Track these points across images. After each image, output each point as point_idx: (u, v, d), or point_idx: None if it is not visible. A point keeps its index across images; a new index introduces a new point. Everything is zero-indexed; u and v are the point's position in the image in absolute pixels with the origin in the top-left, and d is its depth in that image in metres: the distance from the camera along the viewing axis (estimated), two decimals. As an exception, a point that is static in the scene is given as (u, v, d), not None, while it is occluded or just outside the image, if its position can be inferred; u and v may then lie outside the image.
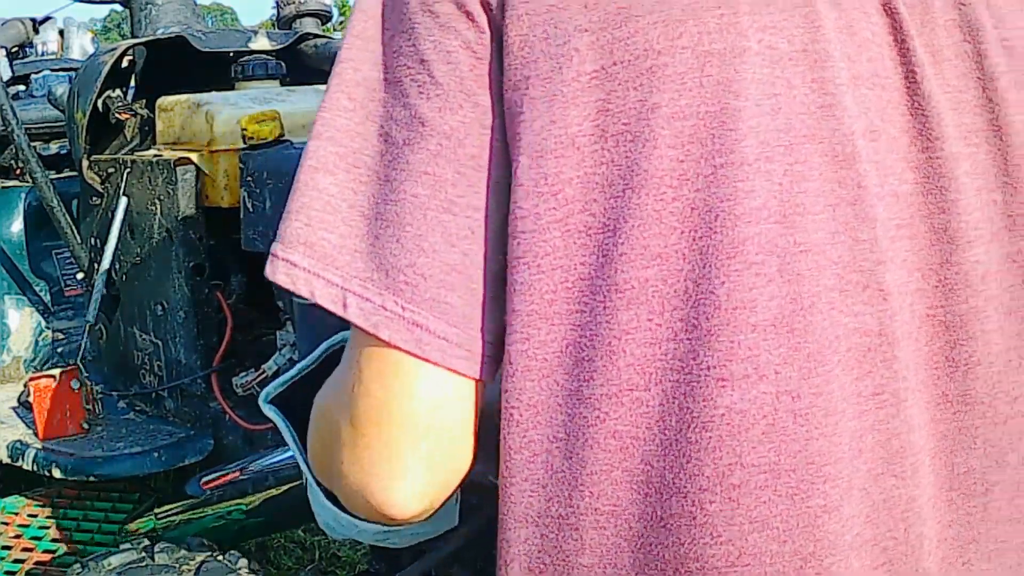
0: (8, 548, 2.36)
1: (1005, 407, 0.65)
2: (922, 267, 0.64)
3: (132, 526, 2.21)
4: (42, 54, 4.96)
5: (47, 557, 2.30)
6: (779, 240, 0.60)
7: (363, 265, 0.64)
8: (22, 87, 4.00)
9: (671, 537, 0.61)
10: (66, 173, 2.97)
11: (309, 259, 0.64)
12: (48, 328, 2.84)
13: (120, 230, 2.30)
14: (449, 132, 0.63)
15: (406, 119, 0.64)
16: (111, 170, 2.37)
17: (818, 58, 0.62)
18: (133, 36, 2.79)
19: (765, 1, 0.62)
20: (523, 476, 0.64)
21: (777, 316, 0.60)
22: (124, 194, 2.30)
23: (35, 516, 2.48)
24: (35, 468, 2.26)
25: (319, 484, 0.78)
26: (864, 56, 0.64)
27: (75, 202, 2.67)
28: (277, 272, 0.65)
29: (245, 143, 1.95)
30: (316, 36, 2.60)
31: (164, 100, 2.27)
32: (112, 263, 2.33)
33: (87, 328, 2.42)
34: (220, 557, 1.78)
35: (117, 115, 2.40)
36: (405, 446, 0.65)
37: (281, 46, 2.49)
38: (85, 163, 2.43)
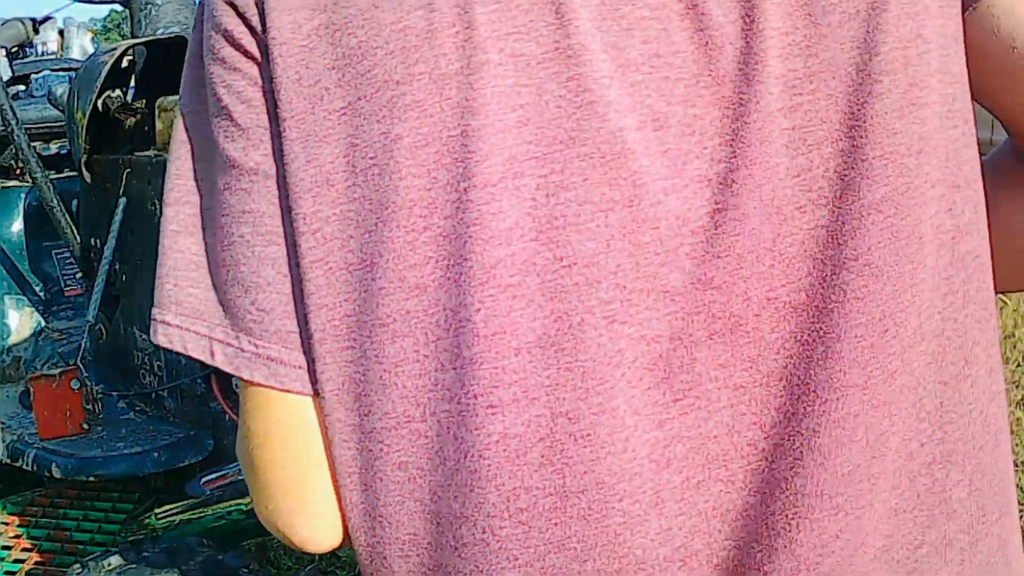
0: (8, 548, 2.36)
1: (882, 387, 0.59)
2: (755, 248, 0.59)
3: (132, 526, 2.21)
4: (42, 54, 4.97)
5: (47, 557, 2.30)
6: (537, 258, 0.59)
7: (221, 312, 0.65)
8: (22, 87, 4.01)
9: (470, 565, 0.61)
10: (66, 173, 2.98)
11: (180, 316, 0.66)
12: (48, 328, 2.84)
13: (120, 230, 2.30)
14: (255, 168, 0.63)
15: (222, 166, 0.65)
16: (111, 170, 2.37)
17: (572, 55, 0.59)
18: (133, 36, 2.79)
19: (505, 6, 0.59)
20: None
21: (542, 337, 0.59)
22: (124, 194, 2.30)
23: (35, 516, 2.48)
24: (35, 468, 2.27)
25: None
26: (636, 39, 0.60)
27: (75, 202, 2.68)
28: (157, 334, 0.67)
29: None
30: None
31: (164, 100, 2.27)
32: (112, 263, 2.33)
33: (87, 328, 2.42)
34: (220, 557, 1.78)
35: (117, 115, 2.41)
36: (296, 482, 0.66)
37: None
38: (85, 163, 2.43)
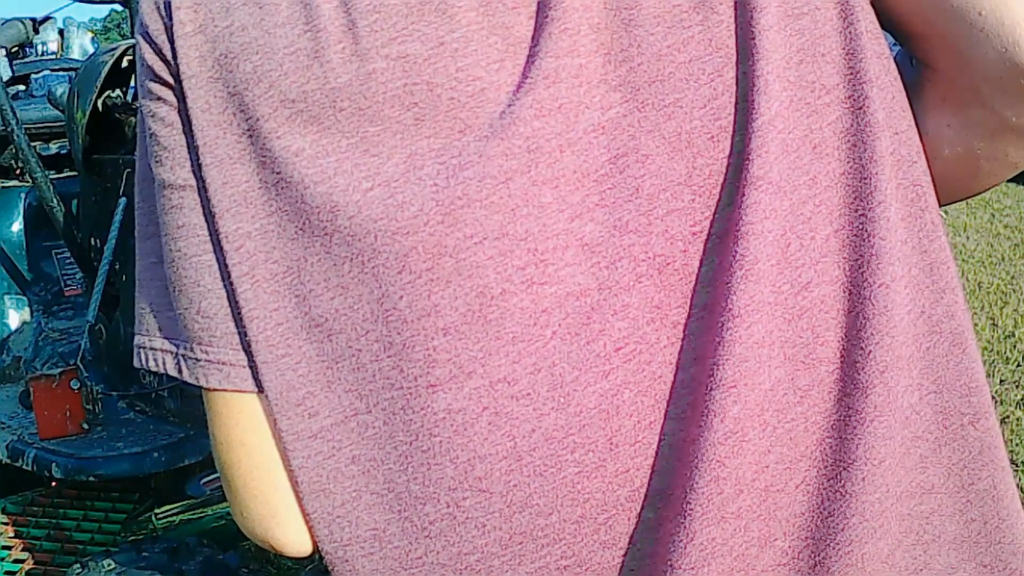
0: (8, 548, 2.36)
1: (795, 300, 0.61)
2: (668, 186, 0.61)
3: (132, 526, 2.21)
4: (42, 54, 4.97)
5: (47, 557, 2.30)
6: (446, 240, 0.61)
7: (180, 327, 0.68)
8: (22, 87, 4.01)
9: (439, 543, 0.62)
10: (66, 173, 2.98)
11: (155, 338, 0.69)
12: (48, 328, 2.84)
13: (120, 230, 2.30)
14: (184, 184, 0.66)
15: (158, 188, 0.68)
16: (111, 170, 2.37)
17: (457, 48, 0.62)
18: (133, 36, 2.78)
19: (385, 14, 0.62)
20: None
21: (465, 314, 0.61)
22: (124, 194, 2.30)
23: (35, 516, 2.48)
24: (35, 468, 2.26)
25: None
26: (523, 16, 0.62)
27: (75, 202, 2.68)
28: (139, 358, 0.70)
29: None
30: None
31: (164, 100, 2.27)
32: (112, 263, 2.33)
33: (87, 328, 2.42)
34: (220, 557, 1.78)
35: (117, 115, 2.41)
36: (264, 486, 0.67)
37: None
38: (85, 163, 2.43)
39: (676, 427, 0.61)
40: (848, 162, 0.62)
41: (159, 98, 0.67)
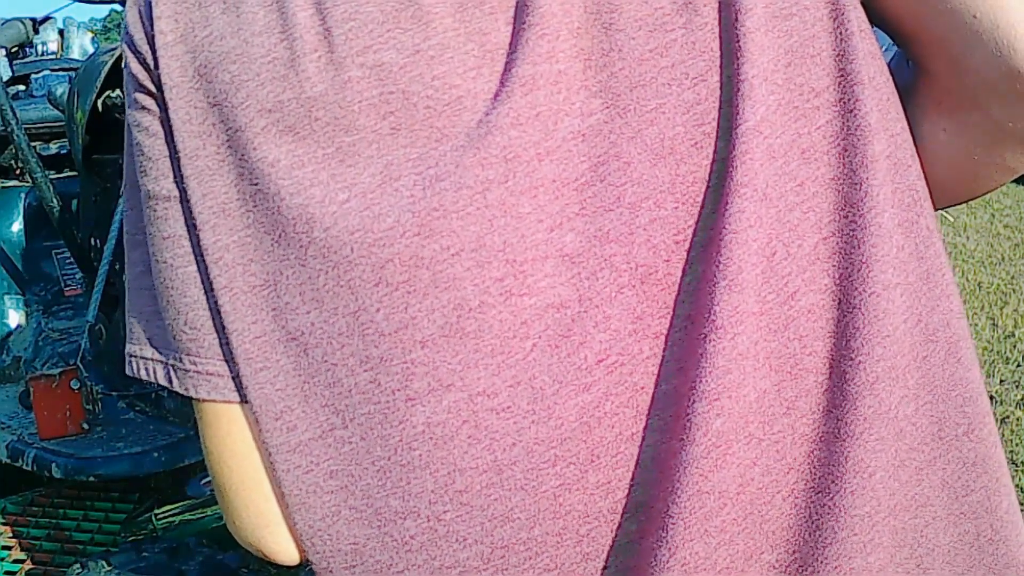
0: (8, 548, 2.36)
1: (780, 310, 0.59)
2: (651, 194, 0.59)
3: (132, 526, 2.21)
4: (42, 54, 4.97)
5: (47, 557, 2.30)
6: (423, 252, 0.60)
7: (171, 337, 0.67)
8: (22, 87, 4.01)
9: (420, 556, 0.62)
10: (66, 173, 2.98)
11: (146, 347, 0.69)
12: (48, 328, 2.84)
13: (120, 230, 2.29)
14: (168, 195, 0.66)
15: (144, 198, 0.67)
16: (111, 170, 2.37)
17: (433, 56, 0.61)
18: (133, 36, 2.78)
19: (360, 22, 0.61)
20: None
21: (443, 326, 0.60)
22: (124, 194, 2.29)
23: (35, 516, 2.48)
24: (35, 468, 2.26)
25: None
26: (501, 22, 0.61)
27: (75, 202, 2.68)
28: (130, 367, 0.70)
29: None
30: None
31: (164, 100, 2.27)
32: (112, 263, 2.33)
33: (87, 328, 2.42)
34: (220, 557, 1.78)
35: (117, 115, 2.40)
36: (254, 494, 0.66)
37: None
38: (85, 163, 2.43)
39: (658, 439, 0.60)
40: (839, 167, 0.60)
41: (143, 107, 0.66)
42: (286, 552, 0.67)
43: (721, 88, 0.59)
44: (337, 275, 0.61)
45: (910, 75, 0.68)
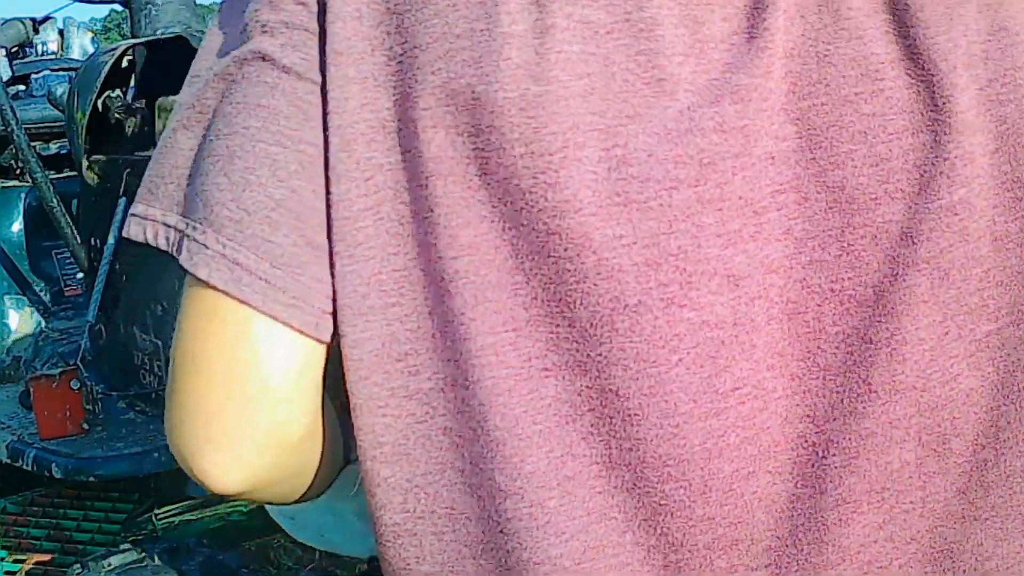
0: (8, 548, 2.36)
1: (941, 390, 0.58)
2: (818, 234, 0.58)
3: (132, 526, 2.21)
4: (42, 54, 4.97)
5: (47, 557, 2.30)
6: (594, 234, 0.56)
7: (198, 205, 0.61)
8: (22, 87, 4.01)
9: (512, 541, 0.58)
10: (66, 173, 2.98)
11: (152, 208, 0.63)
12: (48, 328, 2.84)
13: (120, 230, 2.29)
14: (290, 66, 0.60)
15: (246, 55, 0.61)
16: (111, 170, 2.37)
17: (643, 28, 0.57)
18: (133, 36, 2.79)
19: None
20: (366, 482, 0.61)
21: (594, 314, 0.57)
22: (124, 194, 2.30)
23: (35, 516, 2.48)
24: (35, 468, 2.26)
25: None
26: (717, 16, 0.58)
27: (75, 202, 2.68)
28: (127, 228, 0.64)
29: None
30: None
31: (164, 100, 2.27)
32: (112, 263, 2.33)
33: (87, 328, 2.42)
34: (220, 557, 1.78)
35: (117, 115, 2.41)
36: (221, 409, 0.60)
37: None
38: (85, 163, 2.43)
39: (770, 481, 0.58)
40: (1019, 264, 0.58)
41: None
42: (220, 478, 0.61)
43: (912, 151, 0.57)
44: (500, 230, 0.58)
45: None
